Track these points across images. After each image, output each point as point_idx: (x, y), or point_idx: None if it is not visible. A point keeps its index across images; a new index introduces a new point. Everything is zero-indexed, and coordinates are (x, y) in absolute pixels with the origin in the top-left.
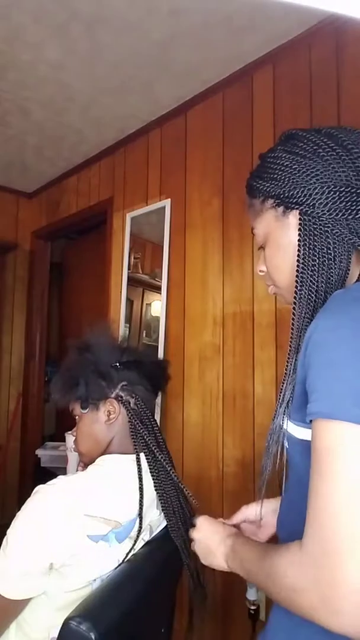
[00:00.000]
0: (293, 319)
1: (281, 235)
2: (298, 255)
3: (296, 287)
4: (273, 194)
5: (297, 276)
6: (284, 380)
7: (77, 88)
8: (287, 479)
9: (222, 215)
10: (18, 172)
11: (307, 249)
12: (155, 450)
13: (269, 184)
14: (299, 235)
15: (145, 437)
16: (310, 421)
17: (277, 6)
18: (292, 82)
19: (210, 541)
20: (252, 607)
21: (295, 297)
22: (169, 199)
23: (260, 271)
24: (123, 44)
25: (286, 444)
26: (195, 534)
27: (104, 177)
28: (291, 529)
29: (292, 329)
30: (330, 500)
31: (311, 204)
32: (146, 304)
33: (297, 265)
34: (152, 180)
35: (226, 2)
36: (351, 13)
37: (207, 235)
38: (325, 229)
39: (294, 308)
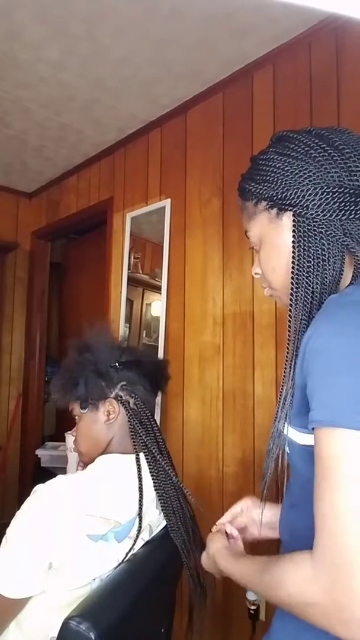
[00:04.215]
0: (289, 322)
1: (275, 237)
2: (293, 257)
3: (292, 288)
4: (266, 196)
5: (292, 278)
6: (283, 383)
7: (77, 88)
8: (289, 483)
9: (222, 215)
10: (18, 172)
11: (301, 250)
12: (154, 451)
13: (261, 186)
14: (293, 236)
15: (144, 437)
16: (313, 428)
17: (277, 6)
18: (292, 82)
19: (212, 566)
20: (252, 607)
21: (291, 299)
22: (169, 199)
23: (255, 274)
24: (123, 44)
25: (287, 449)
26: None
27: (104, 177)
28: (293, 532)
29: (289, 331)
30: (338, 509)
31: (304, 205)
32: (146, 304)
33: (292, 267)
34: (152, 180)
35: (226, 2)
36: (351, 13)
37: (207, 235)
38: (319, 230)
39: (290, 310)
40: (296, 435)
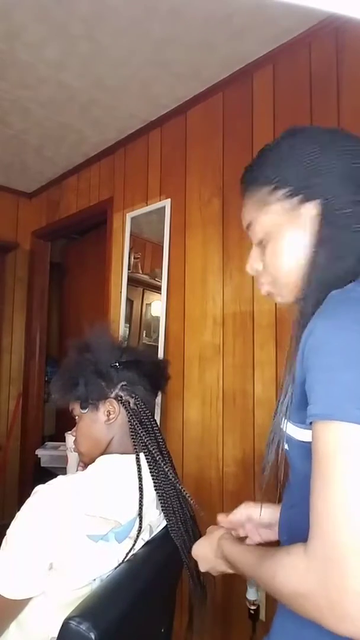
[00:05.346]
0: (298, 317)
1: (290, 229)
2: (314, 249)
3: (305, 282)
4: (290, 183)
5: (308, 271)
6: (284, 380)
7: (77, 88)
8: (288, 481)
9: (222, 215)
10: (18, 172)
11: (323, 243)
12: (154, 452)
13: (286, 172)
14: (320, 227)
15: (144, 437)
16: (311, 423)
17: (277, 6)
18: (292, 82)
19: (210, 562)
20: (252, 607)
21: (304, 294)
22: (169, 199)
23: (254, 270)
24: (123, 43)
25: (286, 446)
26: (201, 567)
27: (104, 177)
28: (292, 531)
29: (296, 327)
30: (333, 503)
31: (336, 194)
32: (146, 304)
33: (312, 260)
34: (152, 180)
35: (226, 2)
36: (351, 13)
37: (207, 235)
38: (346, 222)
39: (300, 305)
40: (295, 432)
